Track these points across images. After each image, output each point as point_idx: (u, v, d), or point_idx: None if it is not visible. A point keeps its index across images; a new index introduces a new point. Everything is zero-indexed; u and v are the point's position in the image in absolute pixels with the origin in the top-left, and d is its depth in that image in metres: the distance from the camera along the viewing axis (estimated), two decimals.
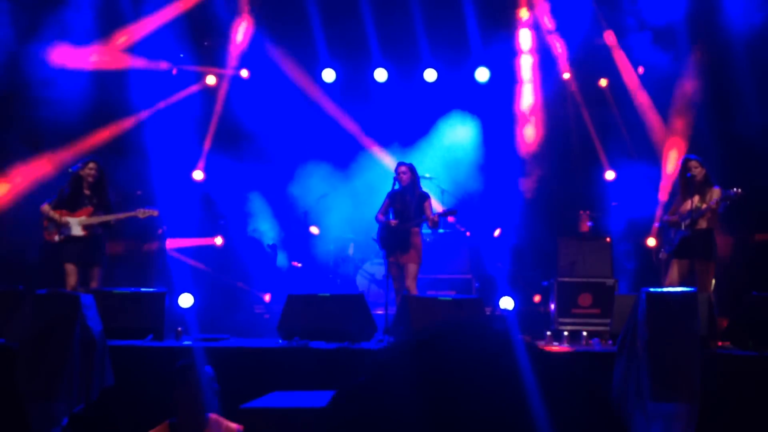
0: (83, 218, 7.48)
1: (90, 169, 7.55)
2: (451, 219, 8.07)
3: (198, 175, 10.74)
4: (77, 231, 7.44)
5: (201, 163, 10.77)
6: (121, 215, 7.69)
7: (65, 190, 7.54)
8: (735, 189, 7.08)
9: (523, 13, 10.85)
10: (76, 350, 5.34)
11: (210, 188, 10.67)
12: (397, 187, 8.16)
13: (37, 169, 9.28)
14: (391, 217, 8.13)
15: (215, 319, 9.04)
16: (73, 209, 7.52)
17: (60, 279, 7.40)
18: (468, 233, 9.71)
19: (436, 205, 8.30)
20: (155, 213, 7.75)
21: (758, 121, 9.21)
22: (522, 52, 10.89)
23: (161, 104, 10.47)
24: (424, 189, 8.29)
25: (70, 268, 7.42)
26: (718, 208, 7.28)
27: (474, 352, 1.22)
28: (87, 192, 7.57)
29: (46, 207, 7.51)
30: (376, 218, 8.22)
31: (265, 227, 10.53)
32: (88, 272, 7.54)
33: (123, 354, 6.16)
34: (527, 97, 10.88)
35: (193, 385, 4.36)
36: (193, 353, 6.19)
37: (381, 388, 1.22)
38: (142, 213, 7.68)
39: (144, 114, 10.29)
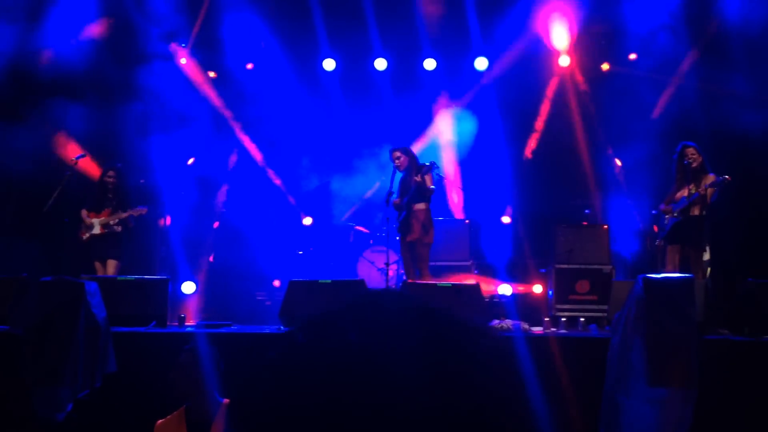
0: (102, 218, 8.47)
1: (110, 177, 8.56)
2: (430, 185, 8.10)
3: (190, 161, 10.82)
4: (97, 230, 8.46)
5: (195, 154, 10.82)
6: (121, 215, 8.46)
7: (92, 192, 8.62)
8: (724, 176, 7.18)
9: None
10: (81, 337, 5.39)
11: (205, 173, 10.71)
12: (398, 173, 8.28)
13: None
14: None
15: (217, 306, 9.11)
16: (97, 210, 8.53)
17: (88, 272, 8.03)
18: (468, 220, 9.77)
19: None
20: (144, 212, 8.59)
21: (753, 105, 9.26)
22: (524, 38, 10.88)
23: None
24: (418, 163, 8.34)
25: (97, 266, 8.36)
26: (711, 196, 7.35)
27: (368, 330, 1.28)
28: (110, 195, 8.55)
29: (83, 211, 8.51)
30: (393, 202, 8.30)
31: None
32: (106, 265, 8.39)
33: (126, 340, 6.22)
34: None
35: (190, 367, 4.41)
36: (196, 340, 6.26)
37: (279, 377, 1.27)
38: (135, 212, 8.55)
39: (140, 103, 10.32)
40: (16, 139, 9.27)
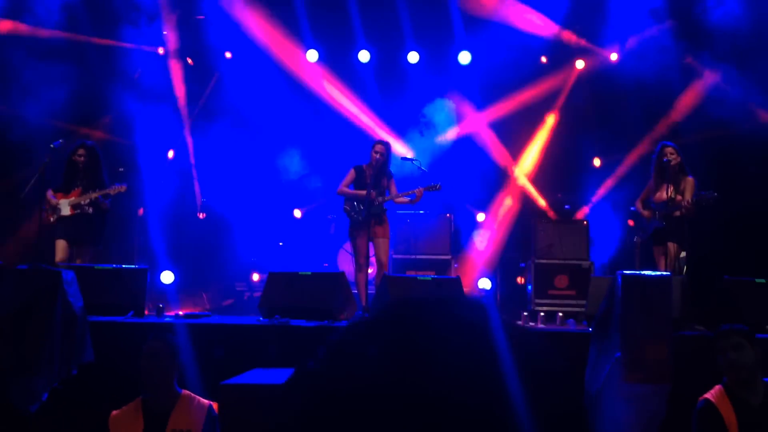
0: (72, 199, 7.80)
1: (79, 155, 7.88)
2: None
3: (170, 154, 10.73)
4: (66, 211, 7.77)
5: (178, 143, 10.74)
6: (95, 194, 7.84)
7: (62, 172, 7.92)
8: (711, 192, 7.21)
9: None
10: (57, 326, 5.35)
11: (188, 166, 10.65)
12: (365, 163, 8.22)
13: None
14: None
15: (196, 296, 9.07)
16: (67, 191, 7.87)
17: (52, 256, 7.61)
18: (449, 215, 9.79)
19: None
20: (123, 189, 7.91)
21: (737, 107, 9.32)
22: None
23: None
24: (390, 169, 8.32)
25: (59, 244, 7.72)
26: (694, 208, 7.41)
27: (442, 326, 1.26)
28: (79, 174, 7.89)
29: (48, 191, 7.83)
30: (338, 191, 8.24)
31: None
32: (77, 250, 7.80)
33: (104, 330, 6.18)
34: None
35: (159, 358, 4.39)
36: (175, 330, 6.24)
37: (340, 365, 1.26)
38: (113, 190, 7.86)
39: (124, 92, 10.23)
40: None
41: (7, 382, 5.17)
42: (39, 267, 5.56)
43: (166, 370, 4.35)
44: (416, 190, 7.98)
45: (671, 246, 7.51)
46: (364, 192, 8.03)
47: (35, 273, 5.49)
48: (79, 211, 7.79)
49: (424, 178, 8.41)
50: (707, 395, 4.35)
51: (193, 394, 4.55)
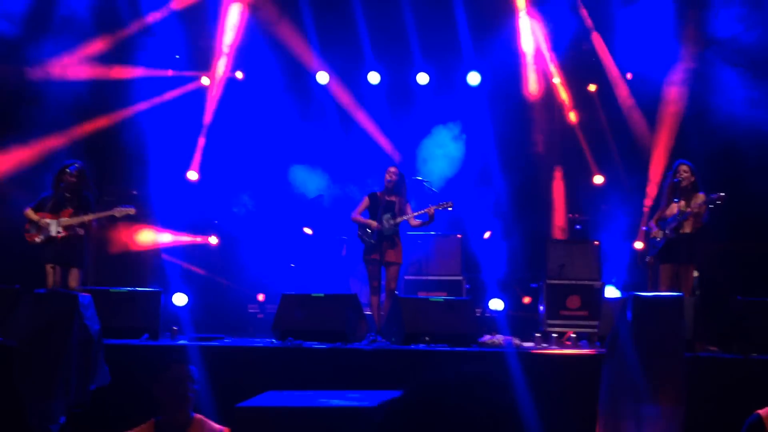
0: (63, 219, 7.50)
1: (71, 176, 7.56)
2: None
3: (192, 175, 10.78)
4: (56, 232, 7.46)
5: (195, 164, 10.81)
6: (99, 215, 7.69)
7: (47, 193, 7.63)
8: (718, 193, 7.23)
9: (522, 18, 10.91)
10: (74, 349, 5.40)
11: (204, 188, 10.72)
12: (378, 189, 8.30)
13: (20, 157, 9.31)
14: (368, 217, 8.23)
15: (209, 319, 9.11)
16: (54, 211, 7.55)
17: (41, 279, 7.33)
18: (459, 235, 9.81)
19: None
20: (132, 211, 7.75)
21: (745, 127, 9.34)
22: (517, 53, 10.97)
23: (156, 103, 10.51)
24: (407, 195, 8.39)
25: (49, 269, 7.40)
26: (703, 213, 7.40)
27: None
28: (68, 194, 7.58)
29: (28, 210, 7.56)
30: (352, 218, 8.32)
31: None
32: (67, 272, 7.52)
33: (119, 353, 6.23)
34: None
35: (176, 381, 4.42)
36: (188, 352, 6.28)
37: None
38: (118, 212, 7.69)
39: (139, 113, 10.34)
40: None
41: (27, 405, 5.22)
42: (56, 291, 5.64)
43: (184, 396, 4.38)
44: (427, 210, 8.03)
45: (679, 268, 7.51)
46: (374, 223, 8.10)
47: (52, 297, 5.56)
48: (71, 232, 7.52)
49: (436, 198, 8.46)
50: (761, 411, 4.31)
51: (206, 419, 4.58)
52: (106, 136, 10.10)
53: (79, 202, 7.60)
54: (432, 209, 8.01)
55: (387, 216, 8.11)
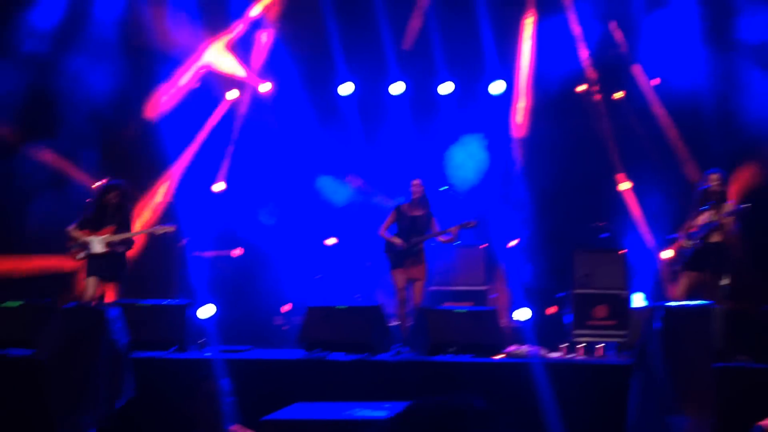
0: (106, 236, 7.79)
1: (114, 197, 7.88)
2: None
3: (218, 186, 10.88)
4: (99, 248, 7.75)
5: (222, 175, 10.91)
6: (139, 232, 8.04)
7: (89, 210, 7.94)
8: (744, 204, 7.16)
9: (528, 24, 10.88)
10: (102, 363, 5.47)
11: (230, 200, 10.80)
12: (403, 201, 8.31)
13: None
14: (395, 231, 8.26)
15: (235, 330, 9.16)
16: (96, 228, 7.84)
17: (72, 294, 7.81)
18: (483, 245, 9.77)
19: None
20: (172, 229, 8.03)
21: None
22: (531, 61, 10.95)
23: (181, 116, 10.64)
24: (431, 208, 8.40)
25: (90, 281, 7.71)
26: (732, 223, 7.33)
27: None
28: (110, 212, 7.89)
29: (71, 228, 7.84)
30: (380, 233, 8.37)
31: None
32: (107, 287, 7.84)
33: (147, 365, 6.29)
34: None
35: (210, 397, 4.45)
36: (215, 365, 6.33)
37: None
38: (159, 229, 8.01)
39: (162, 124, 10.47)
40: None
41: (56, 420, 5.29)
42: (84, 306, 5.72)
43: (219, 411, 4.41)
44: (451, 229, 8.04)
45: (708, 276, 7.43)
46: (399, 241, 8.14)
47: (81, 311, 5.65)
48: (112, 249, 7.82)
49: (461, 215, 8.47)
50: (762, 422, 4.29)
51: (242, 428, 4.60)
52: (131, 149, 10.25)
53: (121, 220, 7.90)
54: (455, 229, 8.03)
55: (413, 235, 8.15)
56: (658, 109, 10.55)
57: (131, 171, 9.74)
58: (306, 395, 5.68)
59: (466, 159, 10.59)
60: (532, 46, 10.85)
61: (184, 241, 9.90)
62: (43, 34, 9.93)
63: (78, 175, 9.76)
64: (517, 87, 10.92)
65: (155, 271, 9.77)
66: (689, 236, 7.65)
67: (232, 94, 11.13)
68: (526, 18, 10.82)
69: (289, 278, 10.19)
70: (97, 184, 8.00)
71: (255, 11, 11.00)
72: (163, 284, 9.83)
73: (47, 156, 9.80)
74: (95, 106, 9.92)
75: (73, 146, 9.87)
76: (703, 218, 7.52)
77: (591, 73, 10.82)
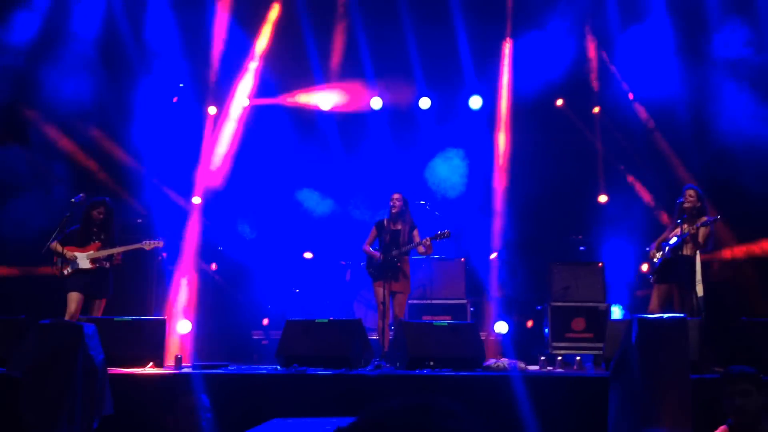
0: (91, 252, 7.84)
1: (99, 213, 7.94)
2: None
3: (196, 200, 10.84)
4: (85, 264, 7.81)
5: (199, 190, 10.87)
6: (128, 247, 7.98)
7: (74, 227, 7.96)
8: (715, 216, 7.30)
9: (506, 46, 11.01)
10: (79, 380, 5.40)
11: (207, 215, 10.76)
12: (384, 216, 8.35)
13: None
14: (378, 246, 8.31)
15: (213, 346, 9.11)
16: (81, 245, 7.89)
17: (62, 309, 7.60)
18: (463, 259, 9.82)
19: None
20: (161, 244, 8.08)
21: (749, 146, 9.35)
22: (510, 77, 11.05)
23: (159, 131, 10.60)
24: (413, 220, 8.44)
25: (73, 296, 7.72)
26: (703, 237, 7.45)
27: None
28: (95, 229, 7.95)
29: (55, 244, 7.82)
30: (363, 249, 8.41)
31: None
32: (91, 303, 7.86)
33: (124, 382, 6.23)
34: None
35: (189, 412, 4.43)
36: (193, 380, 6.28)
37: None
38: (147, 245, 7.99)
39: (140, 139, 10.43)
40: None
41: None
42: (61, 321, 5.65)
43: (198, 426, 4.39)
44: (424, 241, 8.07)
45: (677, 289, 7.54)
46: (377, 255, 8.23)
47: (57, 327, 5.57)
48: (98, 265, 7.87)
49: (436, 226, 8.50)
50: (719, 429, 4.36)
51: None
52: (109, 165, 10.21)
53: (106, 236, 7.93)
54: (428, 241, 8.06)
55: (393, 249, 8.19)
56: (635, 123, 10.68)
57: (104, 184, 9.74)
58: (284, 411, 5.64)
59: (447, 173, 10.64)
60: (510, 61, 10.96)
61: (163, 256, 9.84)
62: (18, 49, 9.89)
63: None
64: (496, 102, 11.01)
65: (134, 287, 9.69)
66: (659, 247, 7.79)
67: (212, 109, 11.12)
68: (505, 34, 10.93)
69: (267, 292, 10.17)
70: (75, 199, 7.87)
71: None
72: (141, 300, 9.76)
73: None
74: (69, 118, 9.87)
75: (46, 158, 9.79)
76: (676, 231, 7.66)
77: (568, 87, 10.93)
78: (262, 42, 11.10)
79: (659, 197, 10.19)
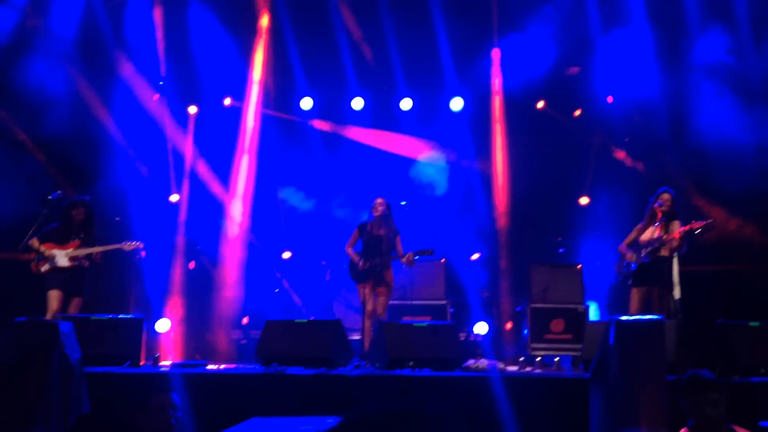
0: (70, 250, 7.86)
1: (78, 213, 7.98)
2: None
3: (174, 198, 10.78)
4: (63, 262, 7.83)
5: (177, 188, 10.81)
6: (107, 247, 8.00)
7: (53, 224, 7.96)
8: (695, 227, 7.33)
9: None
10: (54, 378, 5.35)
11: (187, 213, 10.70)
12: (367, 218, 8.32)
13: None
14: (360, 248, 8.28)
15: (192, 344, 9.05)
16: (61, 243, 7.90)
17: (40, 306, 7.59)
18: (443, 260, 9.83)
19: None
20: (140, 245, 8.08)
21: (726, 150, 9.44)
22: (494, 80, 11.08)
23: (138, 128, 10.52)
24: (396, 226, 8.43)
25: (54, 294, 7.76)
26: (682, 245, 7.52)
27: None
28: (74, 227, 7.98)
29: (34, 241, 7.83)
30: (346, 250, 8.38)
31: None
32: (69, 301, 7.86)
33: (100, 380, 6.18)
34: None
35: (159, 409, 4.40)
36: (170, 379, 6.24)
37: None
38: (127, 246, 8.00)
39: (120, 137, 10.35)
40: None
41: None
42: (36, 320, 5.59)
43: (167, 424, 4.36)
44: (408, 255, 8.06)
45: (655, 291, 7.60)
46: (361, 262, 8.20)
47: (32, 326, 5.51)
48: (77, 263, 7.88)
49: (419, 242, 8.51)
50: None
51: None
52: (86, 162, 10.11)
53: (86, 235, 7.96)
54: (412, 256, 8.05)
55: (375, 253, 8.18)
56: (614, 126, 10.76)
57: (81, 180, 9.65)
58: (264, 410, 5.62)
59: (427, 173, 10.66)
60: (493, 63, 11.00)
61: (142, 255, 9.77)
62: None
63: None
64: (478, 103, 11.05)
65: (111, 285, 9.62)
66: (633, 249, 7.83)
67: (192, 108, 11.06)
68: (487, 36, 10.97)
69: (247, 291, 10.13)
70: (52, 196, 7.81)
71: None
72: (119, 298, 9.69)
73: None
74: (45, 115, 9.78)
75: (21, 155, 9.69)
76: (650, 234, 7.71)
77: (550, 89, 10.99)
78: (258, 55, 11.06)
79: (640, 199, 10.26)
